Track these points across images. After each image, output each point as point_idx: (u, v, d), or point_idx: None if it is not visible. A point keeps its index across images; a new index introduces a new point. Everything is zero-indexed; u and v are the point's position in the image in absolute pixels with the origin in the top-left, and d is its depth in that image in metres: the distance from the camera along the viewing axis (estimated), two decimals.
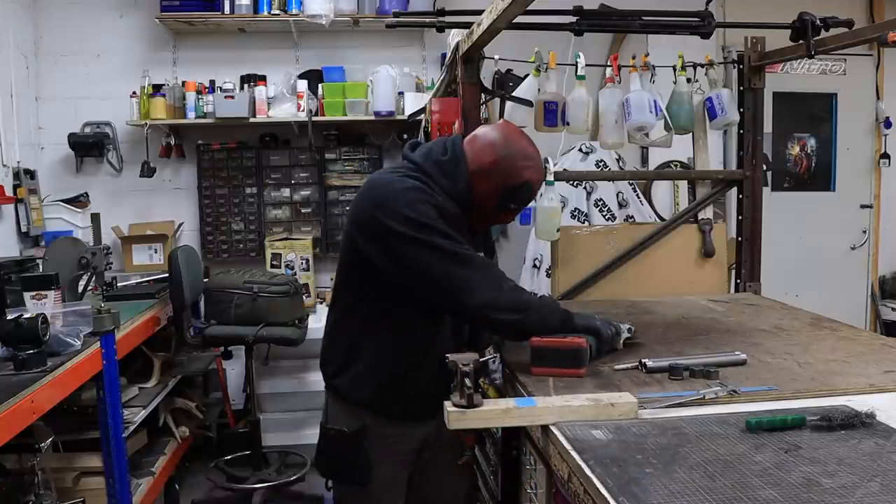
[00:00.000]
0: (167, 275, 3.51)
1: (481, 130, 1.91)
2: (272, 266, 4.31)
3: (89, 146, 4.42)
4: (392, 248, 1.74)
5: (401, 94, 4.41)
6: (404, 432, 1.95)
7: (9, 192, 4.04)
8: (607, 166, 4.17)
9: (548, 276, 3.33)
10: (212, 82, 4.42)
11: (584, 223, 3.95)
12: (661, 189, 4.56)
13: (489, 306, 1.75)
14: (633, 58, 3.00)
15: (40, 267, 3.06)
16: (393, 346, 1.87)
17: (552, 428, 1.47)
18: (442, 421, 1.83)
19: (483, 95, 3.06)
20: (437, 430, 1.94)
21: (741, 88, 3.21)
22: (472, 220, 1.88)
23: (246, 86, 4.43)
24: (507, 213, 1.91)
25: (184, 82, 4.42)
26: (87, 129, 4.51)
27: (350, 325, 1.91)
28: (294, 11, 4.32)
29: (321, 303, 4.35)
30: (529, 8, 2.07)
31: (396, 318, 1.85)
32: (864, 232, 5.09)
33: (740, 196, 3.24)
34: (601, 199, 4.07)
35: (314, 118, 4.40)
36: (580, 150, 4.19)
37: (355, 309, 1.90)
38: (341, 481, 1.96)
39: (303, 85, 4.38)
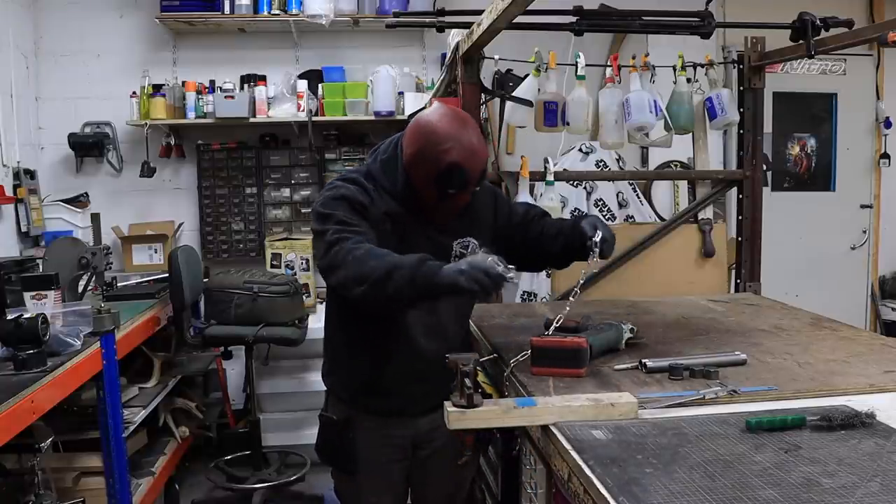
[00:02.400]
0: (167, 275, 3.51)
1: (412, 121, 1.87)
2: (272, 266, 4.31)
3: (89, 146, 4.42)
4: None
5: (401, 94, 4.41)
6: (391, 426, 1.98)
7: (9, 192, 4.04)
8: (607, 166, 4.17)
9: (548, 276, 3.33)
10: (212, 82, 4.42)
11: None
12: (661, 189, 4.55)
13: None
14: (633, 58, 3.01)
15: (40, 267, 3.06)
16: (361, 343, 1.95)
17: (552, 428, 1.47)
18: (434, 421, 1.90)
19: (483, 95, 3.06)
20: (429, 430, 1.99)
21: (741, 88, 3.21)
22: (429, 215, 1.87)
23: (246, 86, 4.43)
24: (453, 198, 1.81)
25: (184, 82, 4.42)
26: (87, 129, 4.50)
27: (329, 325, 2.04)
28: (294, 11, 4.31)
29: (321, 303, 4.34)
30: (529, 8, 2.08)
31: (358, 314, 1.88)
32: (864, 232, 5.09)
33: (740, 196, 3.25)
34: (601, 199, 4.07)
35: (314, 118, 4.40)
36: (580, 150, 4.19)
37: (331, 309, 2.02)
38: (333, 466, 2.07)
39: (303, 85, 4.38)
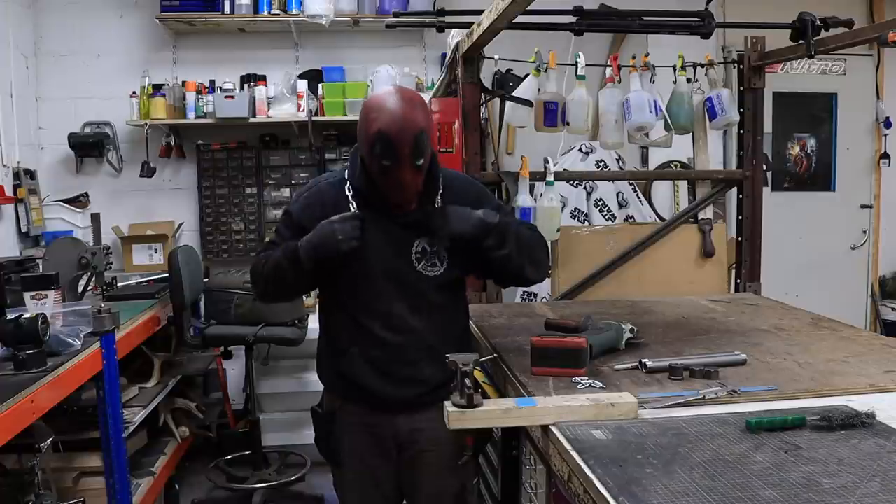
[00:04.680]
0: (167, 275, 3.51)
1: None
2: None
3: (89, 146, 4.42)
4: None
5: None
6: (370, 419, 1.99)
7: (9, 192, 4.04)
8: (607, 166, 4.17)
9: (548, 276, 3.33)
10: (212, 82, 4.42)
11: (584, 223, 3.95)
12: (661, 189, 4.56)
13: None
14: (633, 58, 3.01)
15: (40, 267, 3.05)
16: (333, 327, 2.02)
17: (552, 428, 1.47)
18: (414, 421, 1.95)
19: (483, 95, 3.06)
20: (410, 431, 1.99)
21: (741, 88, 3.21)
22: (385, 197, 1.87)
23: (246, 86, 4.43)
24: (392, 171, 1.79)
25: (184, 82, 4.42)
26: (87, 129, 4.50)
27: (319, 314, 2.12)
28: (294, 11, 4.32)
29: None
30: (529, 8, 2.08)
31: (329, 298, 2.03)
32: (864, 232, 5.09)
33: (740, 196, 3.25)
34: (601, 199, 4.07)
35: (314, 118, 4.40)
36: (580, 150, 4.19)
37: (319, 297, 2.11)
38: (325, 458, 2.11)
39: (303, 85, 4.38)
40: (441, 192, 1.94)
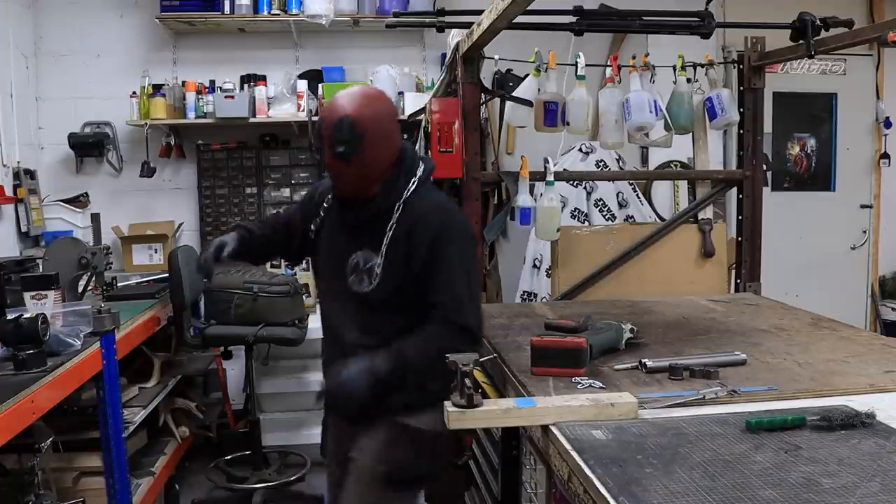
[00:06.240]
0: (167, 275, 3.51)
1: None
2: (272, 266, 4.30)
3: (89, 146, 4.41)
4: None
5: (401, 94, 4.40)
6: (334, 426, 2.05)
7: (9, 192, 4.04)
8: (607, 166, 4.17)
9: (548, 276, 3.33)
10: (212, 82, 4.42)
11: (584, 223, 3.95)
12: (661, 189, 4.55)
13: None
14: (633, 58, 3.01)
15: (40, 267, 3.05)
16: None
17: (552, 428, 1.47)
18: (358, 441, 1.92)
19: (483, 95, 3.06)
20: (353, 449, 1.94)
21: (741, 88, 3.21)
22: (343, 195, 1.93)
23: (246, 86, 4.42)
24: (321, 156, 1.88)
25: (184, 82, 4.42)
26: (87, 129, 4.50)
27: None
28: (294, 11, 4.31)
29: None
30: (529, 8, 2.08)
31: None
32: (864, 232, 5.09)
33: (740, 196, 3.25)
34: (601, 199, 4.07)
35: (314, 118, 4.39)
36: (580, 150, 4.19)
37: None
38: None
39: (303, 85, 4.38)
40: (402, 211, 1.85)
